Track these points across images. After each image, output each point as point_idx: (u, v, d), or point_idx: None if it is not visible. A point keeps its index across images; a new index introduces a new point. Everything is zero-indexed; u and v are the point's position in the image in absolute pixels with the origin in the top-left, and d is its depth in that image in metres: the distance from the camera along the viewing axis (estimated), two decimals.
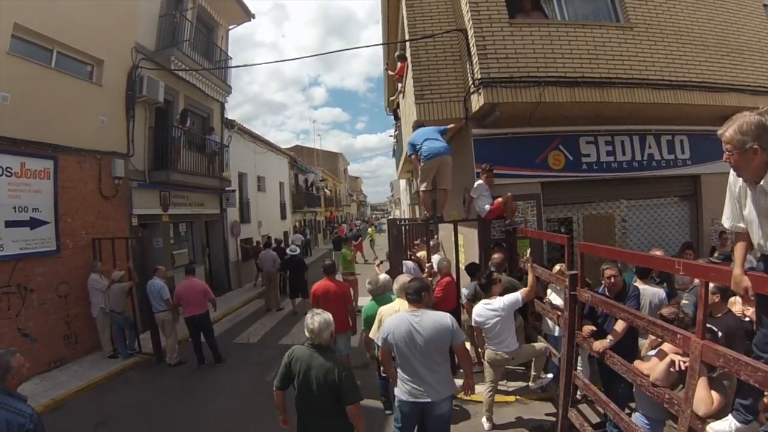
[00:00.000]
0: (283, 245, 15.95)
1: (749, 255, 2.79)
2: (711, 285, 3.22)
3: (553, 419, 5.31)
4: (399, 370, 3.88)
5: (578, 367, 4.97)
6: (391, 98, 14.87)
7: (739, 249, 2.69)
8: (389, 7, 11.02)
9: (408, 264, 7.55)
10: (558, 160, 8.00)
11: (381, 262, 9.74)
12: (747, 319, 3.87)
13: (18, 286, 7.82)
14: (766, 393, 2.75)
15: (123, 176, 10.30)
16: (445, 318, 3.88)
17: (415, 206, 22.56)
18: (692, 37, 7.85)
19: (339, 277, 8.53)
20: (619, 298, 4.64)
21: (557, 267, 5.64)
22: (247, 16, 16.61)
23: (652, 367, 3.42)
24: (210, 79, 14.15)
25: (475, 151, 7.84)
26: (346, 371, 3.46)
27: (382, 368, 5.39)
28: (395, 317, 3.92)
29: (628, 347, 4.39)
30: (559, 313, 5.04)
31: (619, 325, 4.29)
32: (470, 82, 7.51)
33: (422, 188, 7.31)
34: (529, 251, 5.99)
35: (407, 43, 8.37)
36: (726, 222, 2.80)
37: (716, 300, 3.87)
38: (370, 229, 32.40)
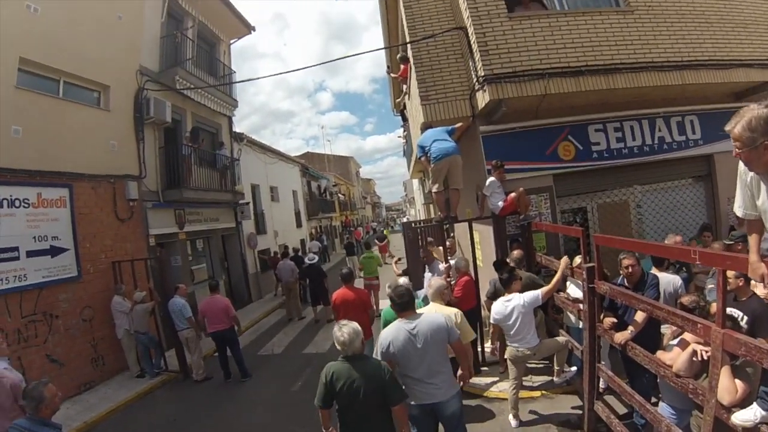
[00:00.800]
0: (300, 253, 15.99)
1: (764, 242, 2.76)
2: None
3: (580, 412, 5.28)
4: (403, 377, 3.89)
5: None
6: (397, 100, 14.85)
7: (753, 236, 2.67)
8: (388, 10, 11.04)
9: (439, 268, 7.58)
10: (568, 151, 7.93)
11: (399, 259, 9.76)
12: None
13: (44, 314, 7.99)
14: None
15: (137, 198, 10.46)
16: (439, 318, 3.96)
17: (430, 205, 22.46)
18: (695, 15, 7.71)
19: (360, 282, 8.56)
20: (638, 287, 4.61)
21: (577, 259, 5.58)
22: (248, 29, 16.70)
23: (674, 357, 3.39)
24: (216, 95, 14.29)
25: (484, 148, 7.80)
26: (390, 372, 3.52)
27: None
28: (391, 330, 3.91)
29: (650, 336, 4.36)
30: (580, 306, 5.01)
31: (639, 316, 4.26)
32: (474, 80, 7.48)
33: (434, 190, 7.32)
34: (565, 258, 5.86)
35: (408, 45, 8.36)
36: (738, 211, 2.75)
37: (740, 284, 3.82)
38: (385, 231, 32.57)
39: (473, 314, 6.63)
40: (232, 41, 16.85)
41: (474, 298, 6.94)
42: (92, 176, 9.36)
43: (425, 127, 7.51)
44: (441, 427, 4.07)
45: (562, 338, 5.67)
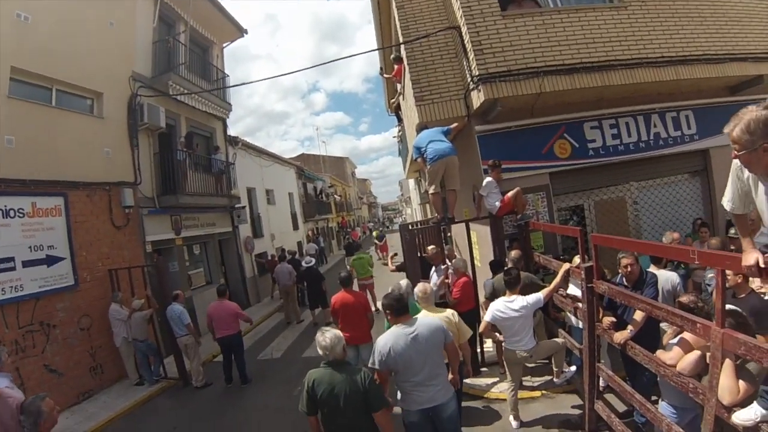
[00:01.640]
0: (297, 256, 15.93)
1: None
2: None
3: (580, 412, 5.26)
4: (402, 383, 3.88)
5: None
6: (391, 100, 14.83)
7: (741, 227, 2.79)
8: (380, 11, 10.99)
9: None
10: (564, 149, 7.92)
11: (395, 254, 9.73)
12: (767, 297, 3.80)
13: (41, 324, 7.95)
14: None
15: (133, 205, 10.40)
16: (435, 320, 4.05)
17: (426, 205, 22.37)
18: (688, 10, 7.70)
19: (354, 284, 8.53)
20: (637, 286, 4.62)
21: (576, 259, 5.55)
22: (240, 32, 16.63)
23: (674, 357, 3.37)
24: (210, 99, 14.20)
25: (480, 148, 7.78)
26: (370, 378, 3.52)
27: None
28: (389, 336, 3.87)
29: (650, 334, 4.36)
30: (579, 305, 4.98)
31: (638, 315, 4.26)
32: (469, 79, 7.46)
33: (430, 191, 7.29)
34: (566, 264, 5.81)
35: (402, 45, 8.33)
36: (727, 204, 2.79)
37: (739, 281, 3.82)
38: (374, 232, 32.82)
39: (472, 315, 6.60)
40: (225, 44, 16.78)
41: (473, 300, 6.91)
42: (87, 184, 9.30)
43: (421, 127, 7.48)
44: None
45: (560, 339, 5.64)
